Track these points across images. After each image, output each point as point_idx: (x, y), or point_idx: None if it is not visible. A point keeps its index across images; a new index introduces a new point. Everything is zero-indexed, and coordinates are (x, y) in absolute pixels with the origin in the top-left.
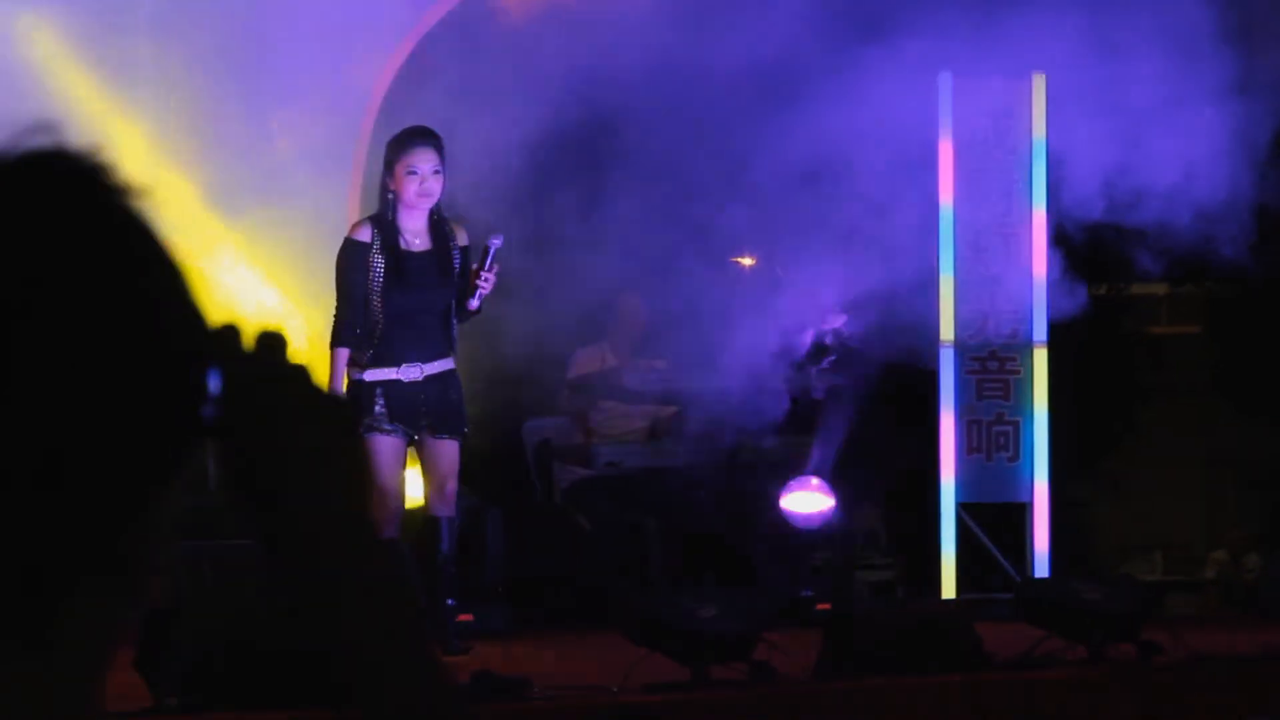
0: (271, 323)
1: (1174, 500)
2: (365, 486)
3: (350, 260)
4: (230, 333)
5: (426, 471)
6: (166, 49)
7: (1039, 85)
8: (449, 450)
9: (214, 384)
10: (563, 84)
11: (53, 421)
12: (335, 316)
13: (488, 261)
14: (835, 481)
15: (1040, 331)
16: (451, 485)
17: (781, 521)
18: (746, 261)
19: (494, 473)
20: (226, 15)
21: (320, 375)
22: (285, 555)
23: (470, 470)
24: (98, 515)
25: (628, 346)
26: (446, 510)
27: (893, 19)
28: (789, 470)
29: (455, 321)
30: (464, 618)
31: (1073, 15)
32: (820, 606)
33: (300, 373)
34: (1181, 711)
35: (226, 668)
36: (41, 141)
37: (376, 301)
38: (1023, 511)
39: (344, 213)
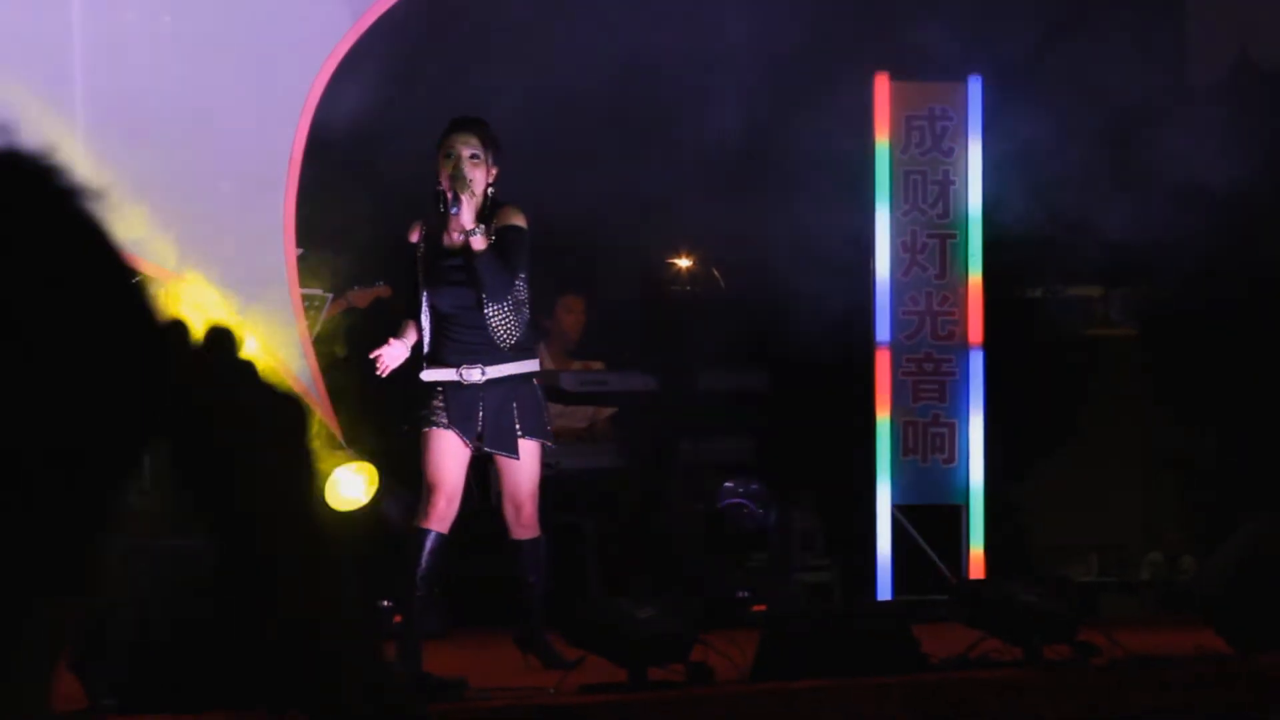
0: (220, 319)
1: (1110, 502)
2: (314, 484)
3: (401, 260)
4: (179, 329)
5: (504, 488)
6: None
7: (975, 88)
8: (519, 466)
9: (164, 381)
10: (503, 84)
11: (8, 427)
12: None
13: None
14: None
15: (975, 333)
16: (526, 507)
17: (720, 523)
18: (683, 263)
19: None
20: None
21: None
22: (232, 553)
23: (407, 471)
24: (57, 525)
25: (565, 348)
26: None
27: (830, 20)
28: (727, 471)
29: (520, 317)
30: (398, 619)
31: (1008, 18)
32: (757, 608)
33: (250, 368)
34: (1117, 712)
35: (164, 668)
36: None
37: (424, 301)
38: (959, 513)
39: (278, 218)
